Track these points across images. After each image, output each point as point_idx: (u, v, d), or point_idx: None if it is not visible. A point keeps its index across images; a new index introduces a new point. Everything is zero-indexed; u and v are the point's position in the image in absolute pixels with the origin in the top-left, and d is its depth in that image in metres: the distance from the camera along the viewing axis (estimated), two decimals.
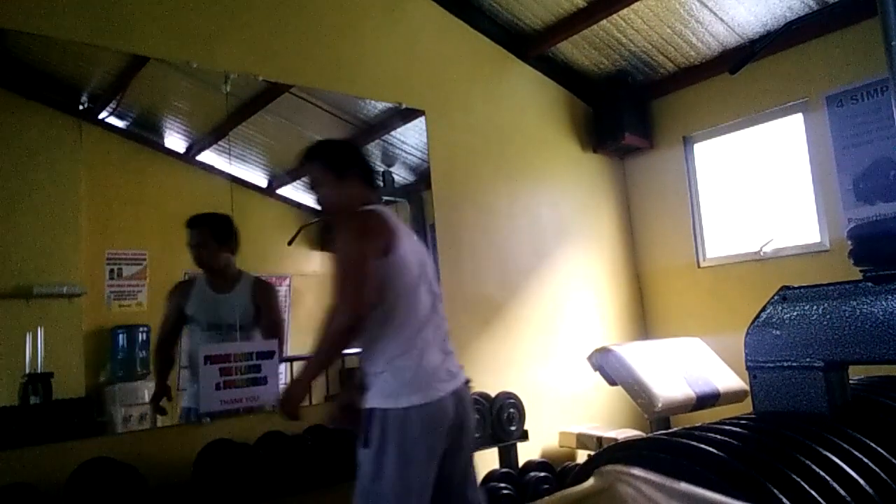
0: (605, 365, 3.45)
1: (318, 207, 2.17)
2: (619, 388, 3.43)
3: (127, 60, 2.85)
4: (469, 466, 2.05)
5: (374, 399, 1.90)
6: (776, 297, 1.50)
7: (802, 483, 0.99)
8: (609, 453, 1.24)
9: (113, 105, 2.94)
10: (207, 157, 3.14)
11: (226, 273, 2.93)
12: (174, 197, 3.01)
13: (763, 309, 1.54)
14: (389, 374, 1.91)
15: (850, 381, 1.49)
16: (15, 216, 2.51)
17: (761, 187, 4.02)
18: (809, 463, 1.05)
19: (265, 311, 2.99)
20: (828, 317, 1.32)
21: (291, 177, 3.53)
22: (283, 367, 3.11)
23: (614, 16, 3.77)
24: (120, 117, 2.97)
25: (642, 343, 3.89)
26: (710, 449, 1.07)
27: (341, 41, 3.43)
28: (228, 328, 2.87)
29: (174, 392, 2.86)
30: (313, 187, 2.14)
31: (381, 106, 3.60)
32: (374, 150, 3.74)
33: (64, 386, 2.51)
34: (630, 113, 4.34)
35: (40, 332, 2.49)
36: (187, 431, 2.68)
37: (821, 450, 1.10)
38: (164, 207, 2.95)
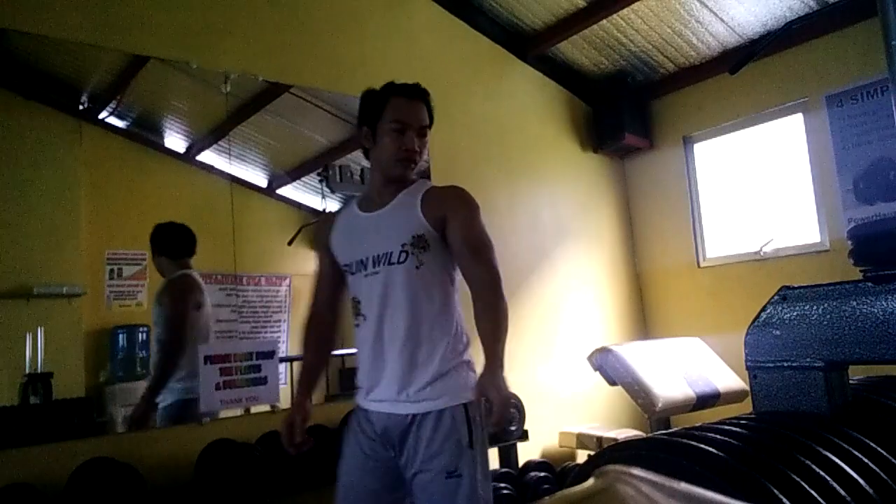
0: (605, 365, 3.44)
1: (411, 155, 1.80)
2: (619, 388, 3.43)
3: (127, 60, 2.85)
4: None
5: (462, 394, 1.71)
6: (776, 297, 1.50)
7: (802, 483, 0.99)
8: (609, 453, 1.24)
9: (113, 105, 2.94)
10: (207, 157, 3.14)
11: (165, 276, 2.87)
12: (174, 197, 3.01)
13: (763, 309, 1.54)
14: (465, 365, 1.78)
15: (850, 381, 1.49)
16: (15, 216, 2.51)
17: (761, 187, 4.02)
18: (809, 463, 1.05)
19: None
20: (828, 317, 1.32)
21: (292, 177, 3.53)
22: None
23: (614, 16, 3.77)
24: (120, 117, 2.97)
25: (642, 343, 3.89)
26: (710, 449, 1.07)
27: (342, 41, 3.43)
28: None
29: None
30: (421, 132, 1.81)
31: None
32: None
33: (64, 386, 2.51)
34: (630, 113, 4.34)
35: (40, 332, 2.49)
36: (187, 431, 2.68)
37: (821, 450, 1.10)
38: (165, 207, 2.95)
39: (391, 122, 1.76)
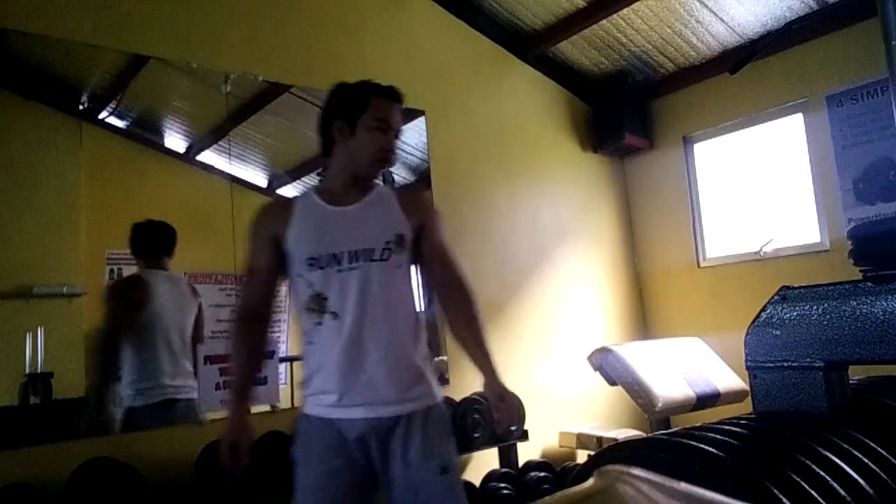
0: (605, 365, 3.44)
1: (389, 156, 1.79)
2: (619, 388, 3.43)
3: (127, 60, 2.85)
4: None
5: (438, 391, 1.74)
6: (776, 297, 1.50)
7: (802, 483, 0.99)
8: (609, 453, 1.24)
9: (113, 105, 2.94)
10: (207, 157, 3.14)
11: None
12: (174, 197, 3.01)
13: (763, 309, 1.53)
14: (431, 366, 1.78)
15: (850, 381, 1.49)
16: (15, 216, 2.51)
17: (761, 187, 4.02)
18: (809, 463, 1.05)
19: None
20: (828, 317, 1.32)
21: (292, 176, 3.53)
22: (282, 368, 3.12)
23: (614, 16, 3.77)
24: (120, 117, 2.97)
25: (642, 343, 3.89)
26: (710, 449, 1.07)
27: (342, 41, 3.43)
28: None
29: None
30: (397, 135, 1.81)
31: None
32: None
33: (64, 386, 2.51)
34: (630, 113, 4.34)
35: (40, 332, 2.49)
36: (187, 431, 2.67)
37: (821, 450, 1.10)
38: (164, 207, 2.95)
39: (374, 120, 1.73)
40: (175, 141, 3.17)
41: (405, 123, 3.65)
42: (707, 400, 3.36)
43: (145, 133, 3.08)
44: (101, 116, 2.89)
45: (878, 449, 1.16)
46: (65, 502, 2.20)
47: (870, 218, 3.34)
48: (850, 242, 1.47)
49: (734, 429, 1.23)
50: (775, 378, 1.45)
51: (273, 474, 2.56)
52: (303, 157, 3.59)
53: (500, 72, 4.12)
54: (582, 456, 3.78)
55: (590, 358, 3.55)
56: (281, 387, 3.01)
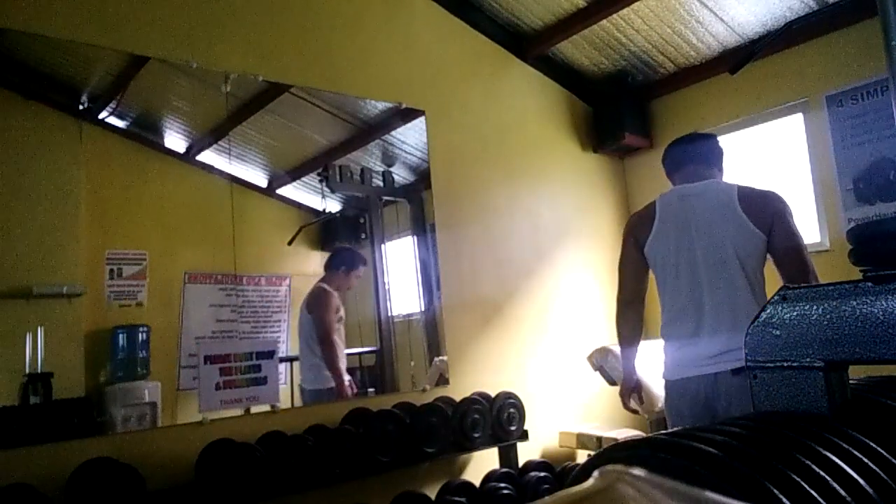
0: (605, 365, 3.44)
1: None
2: (619, 388, 3.43)
3: (127, 60, 2.85)
4: None
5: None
6: (776, 297, 1.49)
7: (802, 483, 0.99)
8: (609, 453, 1.24)
9: (113, 105, 2.94)
10: (207, 157, 3.14)
11: None
12: (174, 197, 3.01)
13: (763, 309, 1.53)
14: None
15: (850, 381, 1.49)
16: (15, 216, 2.51)
17: (761, 187, 4.01)
18: (809, 463, 1.05)
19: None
20: (828, 317, 1.32)
21: (292, 177, 3.53)
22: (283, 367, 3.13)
23: (614, 16, 3.77)
24: (120, 117, 2.97)
25: (642, 343, 3.88)
26: (710, 449, 1.07)
27: (341, 41, 3.44)
28: None
29: (174, 390, 2.86)
30: None
31: (381, 106, 3.60)
32: (374, 149, 3.75)
33: (64, 386, 2.52)
34: (630, 113, 4.34)
35: (40, 332, 2.49)
36: (187, 431, 2.68)
37: (821, 450, 1.10)
38: (164, 207, 2.95)
39: None
40: (175, 141, 3.17)
41: (403, 124, 3.67)
42: None
43: (145, 133, 3.08)
44: (101, 116, 2.89)
45: (878, 449, 1.15)
46: (65, 502, 2.20)
47: (870, 218, 3.34)
48: (850, 242, 1.47)
49: (734, 429, 1.23)
50: (775, 378, 1.44)
51: (273, 474, 2.56)
52: (303, 158, 3.60)
53: (499, 72, 4.12)
54: (582, 456, 3.77)
55: (590, 358, 3.54)
56: (281, 387, 3.01)
